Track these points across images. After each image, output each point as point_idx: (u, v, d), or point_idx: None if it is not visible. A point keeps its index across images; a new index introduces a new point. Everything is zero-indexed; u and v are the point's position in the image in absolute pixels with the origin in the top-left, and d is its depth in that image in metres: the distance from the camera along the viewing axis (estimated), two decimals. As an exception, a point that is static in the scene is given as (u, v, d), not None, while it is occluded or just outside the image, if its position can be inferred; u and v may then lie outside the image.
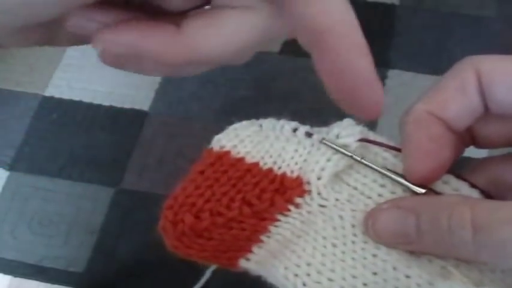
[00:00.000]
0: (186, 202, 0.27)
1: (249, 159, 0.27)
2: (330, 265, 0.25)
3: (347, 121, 0.28)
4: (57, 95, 0.70)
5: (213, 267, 0.38)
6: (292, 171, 0.27)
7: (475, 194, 0.25)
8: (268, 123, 0.29)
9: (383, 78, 0.68)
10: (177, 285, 0.52)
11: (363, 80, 0.21)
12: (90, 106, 0.69)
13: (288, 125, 0.28)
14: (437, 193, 0.25)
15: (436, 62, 0.67)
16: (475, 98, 0.24)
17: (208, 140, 0.30)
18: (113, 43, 0.19)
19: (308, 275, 0.25)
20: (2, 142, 0.67)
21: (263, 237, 0.27)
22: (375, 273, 0.24)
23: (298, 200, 0.27)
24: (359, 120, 0.28)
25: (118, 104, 0.69)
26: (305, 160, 0.27)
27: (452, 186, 0.26)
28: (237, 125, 0.29)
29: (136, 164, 0.63)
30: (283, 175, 0.27)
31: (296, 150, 0.27)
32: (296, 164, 0.27)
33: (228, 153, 0.28)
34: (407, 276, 0.24)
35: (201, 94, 0.68)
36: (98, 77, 0.71)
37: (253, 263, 0.28)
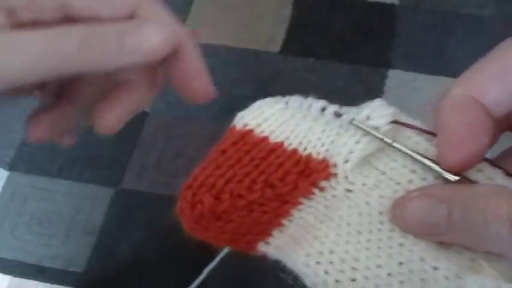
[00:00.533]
0: (206, 182, 0.25)
1: (273, 139, 0.26)
2: (354, 253, 0.24)
3: (378, 101, 0.26)
4: (57, 95, 0.70)
5: (210, 267, 0.38)
6: (318, 153, 0.25)
7: (510, 182, 0.24)
8: (294, 101, 0.27)
9: (383, 78, 0.68)
10: (176, 284, 0.52)
11: (194, 73, 0.28)
12: (90, 106, 0.68)
13: (316, 104, 0.26)
14: (471, 181, 0.24)
15: (436, 62, 0.67)
16: None
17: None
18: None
19: (331, 263, 0.24)
20: (2, 142, 0.67)
21: (285, 221, 0.26)
22: (400, 263, 0.23)
23: (324, 183, 0.25)
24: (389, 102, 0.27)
25: (118, 104, 0.68)
26: (332, 141, 0.26)
27: (487, 175, 0.24)
28: (261, 102, 0.28)
29: (136, 164, 0.63)
30: (309, 157, 0.25)
31: (323, 131, 0.26)
32: (323, 145, 0.26)
33: (251, 131, 0.26)
34: (435, 268, 0.22)
35: (201, 94, 0.68)
36: (98, 77, 0.71)
37: (272, 247, 0.26)
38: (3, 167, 0.64)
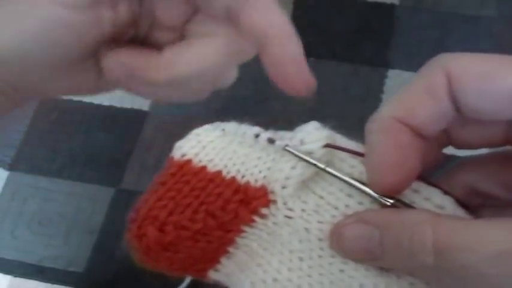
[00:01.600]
0: (149, 215, 0.26)
1: (211, 168, 0.26)
2: (296, 281, 0.24)
3: (312, 124, 0.26)
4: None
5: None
6: (256, 180, 0.26)
7: (447, 202, 0.24)
8: (231, 127, 0.27)
9: (383, 78, 0.68)
10: (176, 284, 0.52)
11: (291, 61, 0.27)
12: (89, 106, 0.69)
13: (250, 131, 0.27)
14: (406, 204, 0.24)
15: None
16: (445, 103, 0.22)
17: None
18: (114, 61, 0.27)
19: None
20: (2, 142, 0.66)
21: (230, 249, 0.26)
22: None
23: (264, 210, 0.25)
24: (325, 123, 0.26)
25: (118, 103, 0.69)
26: (269, 168, 0.26)
27: (423, 195, 0.24)
28: (199, 130, 0.28)
29: (136, 164, 0.63)
30: (247, 184, 0.26)
31: (259, 158, 0.26)
32: (260, 172, 0.26)
33: (189, 161, 0.27)
34: None
35: (201, 94, 0.68)
36: (98, 77, 0.71)
37: (222, 274, 0.27)
38: (3, 167, 0.64)
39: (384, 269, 0.23)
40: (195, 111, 0.67)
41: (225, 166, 0.26)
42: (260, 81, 0.73)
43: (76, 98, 0.69)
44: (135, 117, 0.67)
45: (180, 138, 0.28)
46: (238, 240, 0.26)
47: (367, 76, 0.68)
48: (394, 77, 0.68)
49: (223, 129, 0.27)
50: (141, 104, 0.68)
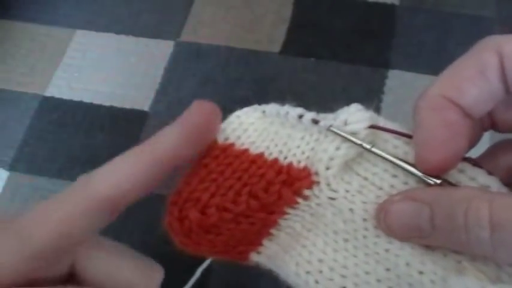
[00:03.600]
0: (191, 197, 0.25)
1: (254, 150, 0.26)
2: (342, 261, 0.24)
3: (355, 106, 0.26)
4: (57, 95, 0.70)
5: (204, 266, 0.38)
6: (299, 162, 0.25)
7: (493, 182, 0.23)
8: (271, 108, 0.27)
9: (383, 78, 0.68)
10: (176, 284, 0.52)
11: None
12: (90, 106, 0.69)
13: (293, 111, 0.26)
14: (452, 184, 0.23)
15: (436, 62, 0.67)
16: (495, 83, 0.22)
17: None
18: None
19: (320, 271, 0.24)
20: (2, 142, 0.67)
21: (273, 231, 0.26)
22: (387, 269, 0.23)
23: (307, 192, 0.25)
24: (367, 105, 0.26)
25: (118, 104, 0.69)
26: (312, 149, 0.25)
27: (469, 175, 0.24)
28: (239, 112, 0.28)
29: (136, 164, 0.63)
30: (290, 165, 0.25)
31: (302, 138, 0.26)
32: (303, 153, 0.25)
33: (232, 145, 0.26)
34: (421, 272, 0.22)
35: (201, 94, 0.68)
36: (98, 77, 0.71)
37: (264, 256, 0.26)
38: (3, 167, 0.64)
39: (429, 247, 0.23)
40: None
41: (267, 148, 0.26)
42: (260, 81, 0.74)
43: (76, 98, 0.69)
44: (135, 118, 0.67)
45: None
46: (281, 222, 0.25)
47: (368, 77, 0.68)
48: (395, 78, 0.68)
49: (263, 111, 0.27)
50: (142, 104, 0.68)
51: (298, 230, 0.25)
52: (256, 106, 0.27)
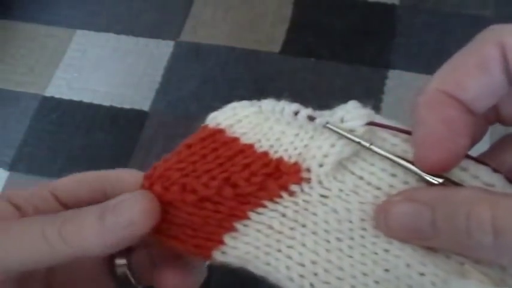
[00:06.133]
0: (163, 174, 0.25)
1: (244, 140, 0.25)
2: (336, 262, 0.23)
3: (352, 103, 0.25)
4: (57, 95, 0.70)
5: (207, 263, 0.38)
6: (290, 157, 0.25)
7: (497, 180, 0.22)
8: (268, 104, 0.26)
9: (383, 78, 0.68)
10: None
11: None
12: (90, 106, 0.69)
13: (288, 108, 0.25)
14: (455, 183, 0.22)
15: (436, 62, 0.67)
16: (498, 77, 0.21)
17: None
18: None
19: (315, 274, 0.23)
20: (2, 142, 0.66)
21: (238, 225, 0.25)
22: (386, 270, 0.22)
23: (294, 187, 0.24)
24: (365, 104, 0.25)
25: (118, 104, 0.69)
26: (306, 145, 0.25)
27: (472, 173, 0.23)
28: (236, 104, 0.27)
29: (136, 164, 0.63)
30: (280, 159, 0.25)
31: (297, 135, 0.25)
32: (295, 149, 0.25)
33: (222, 131, 0.26)
34: (422, 274, 0.22)
35: (201, 94, 0.68)
36: (98, 77, 0.71)
37: (231, 257, 0.25)
38: (3, 167, 0.64)
39: (431, 249, 0.22)
40: (195, 111, 0.67)
41: (259, 141, 0.26)
42: (260, 81, 0.74)
43: (76, 99, 0.69)
44: (135, 118, 0.67)
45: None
46: (253, 215, 0.25)
47: (368, 77, 0.68)
48: (395, 78, 0.68)
49: (260, 106, 0.27)
50: (141, 104, 0.68)
51: (276, 227, 0.24)
52: (253, 101, 0.27)
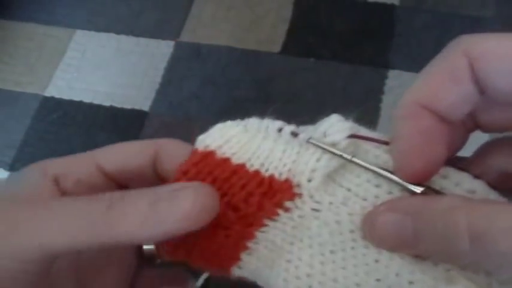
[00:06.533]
0: None
1: (235, 160, 0.26)
2: (331, 274, 0.24)
3: (335, 117, 0.26)
4: (57, 95, 0.70)
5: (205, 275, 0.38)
6: (280, 174, 0.25)
7: (479, 186, 0.23)
8: (252, 123, 0.27)
9: (383, 78, 0.68)
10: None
11: None
12: (90, 106, 0.69)
13: (272, 125, 0.26)
14: (436, 191, 0.23)
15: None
16: (468, 86, 0.22)
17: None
18: None
19: (310, 287, 0.24)
20: (2, 142, 0.67)
21: (250, 244, 0.25)
22: (378, 280, 0.23)
23: (288, 203, 0.25)
24: (348, 116, 0.26)
25: (118, 104, 0.69)
26: (294, 161, 0.25)
27: (453, 181, 0.23)
28: (221, 125, 0.27)
29: (136, 164, 0.63)
30: (271, 177, 0.25)
31: (284, 151, 0.26)
32: (284, 165, 0.25)
33: (213, 153, 0.26)
34: (411, 282, 0.22)
35: (201, 94, 0.68)
36: (98, 77, 0.71)
37: (247, 271, 0.26)
38: (4, 168, 0.64)
39: (419, 257, 0.23)
40: (195, 111, 0.67)
41: (249, 159, 0.26)
42: (260, 81, 0.74)
43: (77, 99, 0.69)
44: (135, 118, 0.67)
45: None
46: (259, 234, 0.25)
47: (367, 77, 0.68)
48: (395, 78, 0.68)
49: (245, 125, 0.27)
50: (141, 104, 0.68)
51: (278, 244, 0.25)
52: (237, 121, 0.27)
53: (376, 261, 0.23)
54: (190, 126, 0.65)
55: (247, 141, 0.26)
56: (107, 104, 0.69)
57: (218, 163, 0.26)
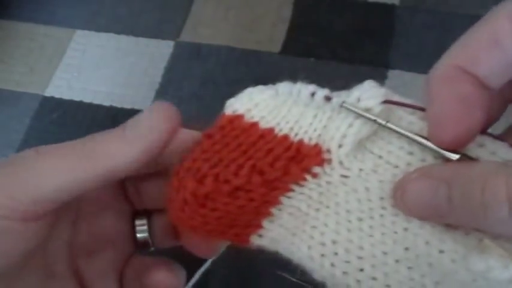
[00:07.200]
0: (192, 167, 0.24)
1: (264, 125, 0.25)
2: (357, 241, 0.23)
3: (368, 83, 0.25)
4: (57, 95, 0.70)
5: (207, 265, 0.38)
6: (310, 139, 0.24)
7: None
8: (284, 87, 0.26)
9: (383, 78, 0.68)
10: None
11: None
12: (90, 106, 0.69)
13: (305, 89, 0.25)
14: (471, 159, 0.22)
15: (436, 62, 0.67)
16: (511, 51, 0.21)
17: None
18: None
19: (335, 254, 0.23)
20: (2, 142, 0.66)
21: (273, 210, 0.25)
22: (406, 249, 0.22)
23: (316, 169, 0.24)
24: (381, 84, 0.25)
25: (118, 104, 0.69)
26: (325, 126, 0.25)
27: (489, 149, 0.22)
28: (252, 89, 0.26)
29: (136, 164, 0.63)
30: (300, 142, 0.25)
31: (315, 116, 0.25)
32: (315, 130, 0.25)
33: (240, 117, 0.25)
34: (441, 251, 0.22)
35: (201, 94, 0.68)
36: (98, 77, 0.71)
37: (267, 240, 0.25)
38: (4, 167, 0.64)
39: (450, 226, 0.22)
40: (195, 111, 0.67)
41: (278, 124, 0.25)
42: (260, 81, 0.73)
43: (76, 98, 0.69)
44: (135, 118, 0.67)
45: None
46: (284, 200, 0.24)
47: (367, 76, 0.68)
48: (394, 78, 0.68)
49: (276, 90, 0.27)
50: (142, 104, 0.68)
51: (304, 210, 0.24)
52: (269, 85, 0.27)
53: (405, 229, 0.23)
54: (190, 126, 0.65)
55: (277, 105, 0.26)
56: (106, 103, 0.69)
57: (246, 127, 0.25)
